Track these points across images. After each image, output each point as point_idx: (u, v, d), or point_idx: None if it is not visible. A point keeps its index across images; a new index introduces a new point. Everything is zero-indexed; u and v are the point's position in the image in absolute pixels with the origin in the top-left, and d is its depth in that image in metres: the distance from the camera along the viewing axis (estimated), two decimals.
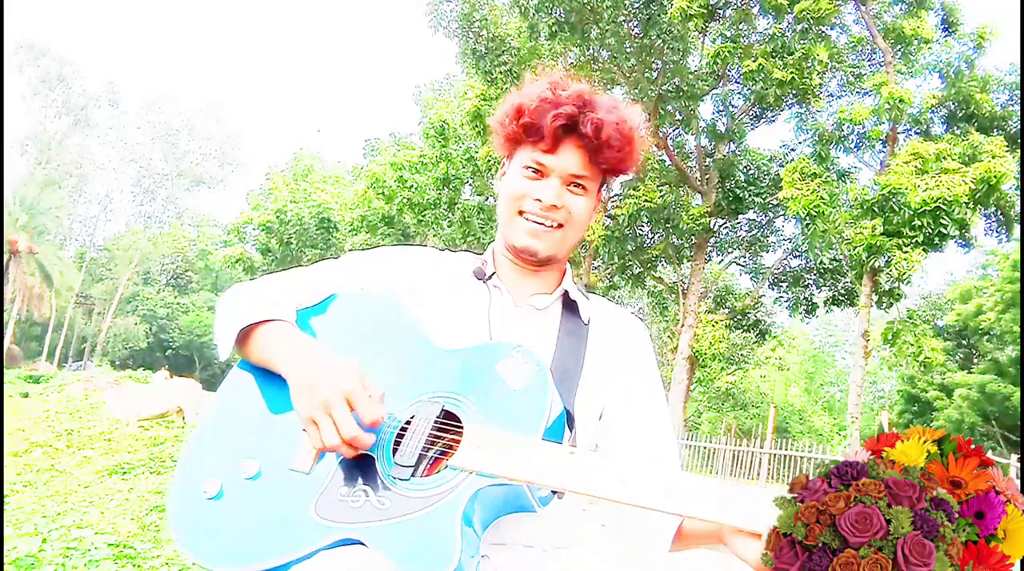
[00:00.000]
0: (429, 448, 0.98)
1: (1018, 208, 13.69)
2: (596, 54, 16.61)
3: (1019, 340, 19.67)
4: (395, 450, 0.98)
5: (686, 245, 17.69)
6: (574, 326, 1.21)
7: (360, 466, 0.97)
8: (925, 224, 12.16)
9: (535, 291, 1.22)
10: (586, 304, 1.25)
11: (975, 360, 24.18)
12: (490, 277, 1.21)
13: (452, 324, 1.16)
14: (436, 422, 0.99)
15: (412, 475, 0.95)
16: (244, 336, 1.10)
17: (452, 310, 1.19)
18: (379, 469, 0.97)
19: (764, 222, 18.81)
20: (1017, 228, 14.54)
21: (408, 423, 1.00)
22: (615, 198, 18.47)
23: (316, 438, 0.94)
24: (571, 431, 1.07)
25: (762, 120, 18.10)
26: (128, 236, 45.49)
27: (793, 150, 17.45)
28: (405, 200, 18.91)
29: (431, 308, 1.19)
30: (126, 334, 42.35)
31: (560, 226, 1.17)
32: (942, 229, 12.21)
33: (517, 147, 1.20)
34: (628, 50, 15.59)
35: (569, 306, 1.23)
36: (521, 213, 1.17)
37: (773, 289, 18.93)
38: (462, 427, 0.98)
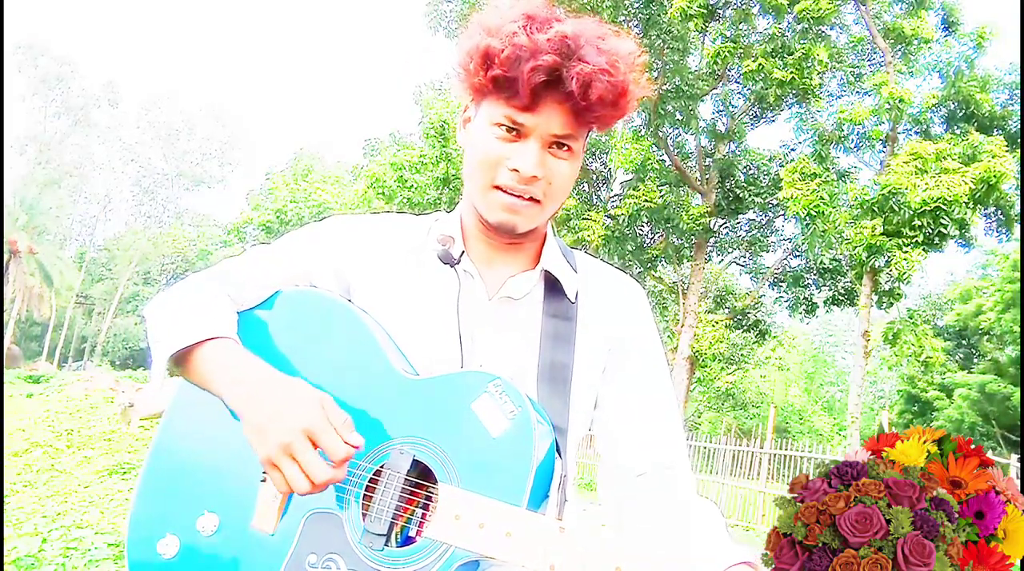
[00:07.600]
0: (400, 514, 0.90)
1: (1018, 208, 13.68)
2: None
3: (1019, 340, 19.66)
4: (364, 504, 0.91)
5: (686, 245, 17.68)
6: (560, 308, 1.07)
7: (328, 527, 0.90)
8: (925, 224, 12.15)
9: (512, 271, 1.08)
10: (571, 277, 1.10)
11: (975, 360, 24.17)
12: (459, 260, 1.05)
13: (416, 323, 1.05)
14: (407, 478, 0.90)
15: (385, 544, 0.88)
16: (181, 355, 0.95)
17: (416, 306, 1.06)
18: (348, 533, 0.90)
19: (764, 222, 18.80)
20: (1017, 228, 14.53)
21: (378, 473, 0.91)
22: (615, 198, 18.46)
23: (282, 484, 0.83)
24: (561, 456, 0.97)
25: (762, 120, 18.08)
26: (128, 236, 45.49)
27: (793, 150, 17.43)
28: (405, 200, 18.84)
29: (391, 303, 1.06)
30: (126, 334, 42.37)
31: (539, 202, 1.00)
32: (942, 229, 12.20)
33: (485, 97, 1.01)
34: None
35: (552, 284, 1.09)
36: (496, 187, 0.99)
37: (773, 289, 18.91)
38: (436, 484, 0.89)
